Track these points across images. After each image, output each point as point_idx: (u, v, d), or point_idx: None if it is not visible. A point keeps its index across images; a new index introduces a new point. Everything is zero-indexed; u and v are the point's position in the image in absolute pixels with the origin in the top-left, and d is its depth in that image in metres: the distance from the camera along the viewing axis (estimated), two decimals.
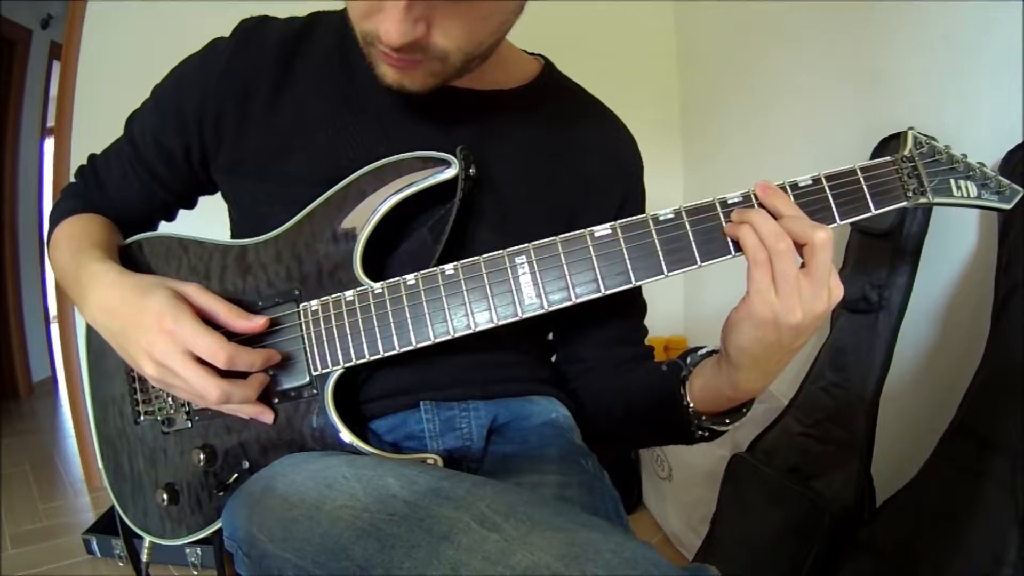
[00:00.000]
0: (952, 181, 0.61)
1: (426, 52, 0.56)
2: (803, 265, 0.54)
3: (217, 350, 0.57)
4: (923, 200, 0.59)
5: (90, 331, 0.76)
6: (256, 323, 0.62)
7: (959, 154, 0.61)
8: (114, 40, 2.08)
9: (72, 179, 0.81)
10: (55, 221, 0.77)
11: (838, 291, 0.55)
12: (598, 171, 0.75)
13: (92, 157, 0.81)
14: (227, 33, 0.72)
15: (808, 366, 1.39)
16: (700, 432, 0.67)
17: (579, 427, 0.79)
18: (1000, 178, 0.62)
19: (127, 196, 0.77)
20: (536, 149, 0.72)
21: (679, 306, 2.23)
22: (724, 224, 0.57)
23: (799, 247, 0.54)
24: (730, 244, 0.57)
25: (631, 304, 0.80)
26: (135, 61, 1.91)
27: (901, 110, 1.27)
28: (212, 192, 0.78)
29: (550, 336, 0.84)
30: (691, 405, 0.66)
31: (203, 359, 0.58)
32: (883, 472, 1.24)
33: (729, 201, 0.57)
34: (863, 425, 1.23)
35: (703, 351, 0.68)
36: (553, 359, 0.85)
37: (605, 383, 0.79)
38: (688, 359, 0.68)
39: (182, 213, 0.84)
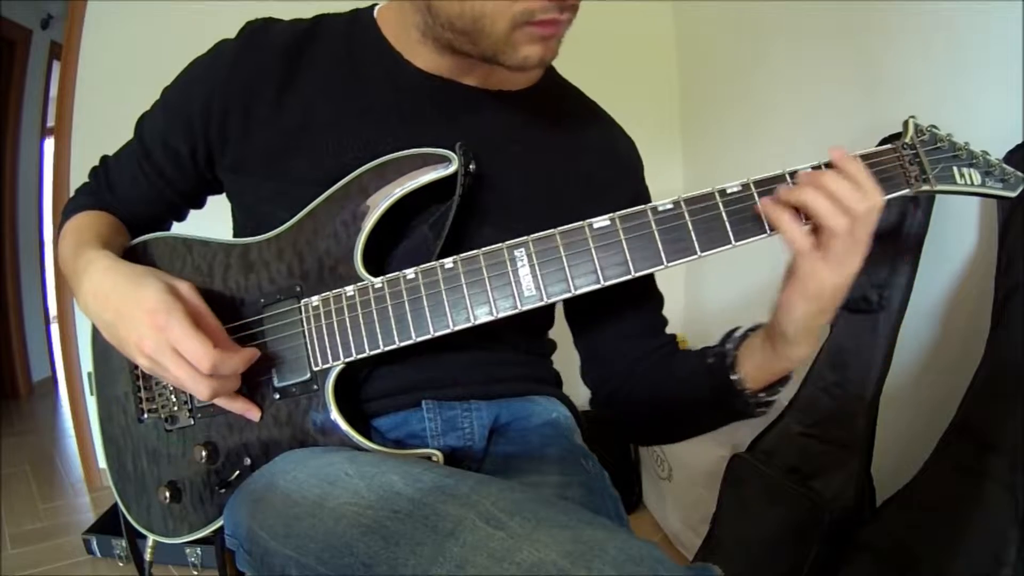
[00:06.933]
0: (955, 169, 0.60)
1: (574, 9, 0.61)
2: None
3: (202, 357, 0.57)
4: (925, 187, 0.59)
5: (95, 330, 0.76)
6: (242, 353, 0.62)
7: (962, 142, 0.61)
8: (114, 40, 2.08)
9: (75, 179, 0.82)
10: (66, 216, 0.77)
11: (868, 243, 0.57)
12: (600, 173, 0.76)
13: (104, 158, 0.82)
14: (228, 32, 0.72)
15: (808, 366, 1.39)
16: (759, 408, 0.68)
17: (624, 428, 0.79)
18: (1004, 166, 0.61)
19: (136, 196, 0.78)
20: (540, 150, 0.73)
21: (679, 305, 2.23)
22: (788, 185, 0.57)
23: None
24: (730, 232, 0.57)
25: (648, 296, 0.80)
26: (135, 61, 1.92)
27: (901, 109, 1.26)
28: (220, 192, 0.79)
29: (550, 335, 0.84)
30: (748, 388, 0.66)
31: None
32: (883, 472, 1.23)
33: (728, 191, 0.57)
34: (863, 425, 1.23)
35: (739, 332, 0.68)
36: (552, 363, 0.85)
37: (642, 378, 0.77)
38: (727, 344, 0.68)
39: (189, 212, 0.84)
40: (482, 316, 0.59)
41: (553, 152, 0.74)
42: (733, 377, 0.66)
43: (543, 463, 0.70)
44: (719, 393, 0.68)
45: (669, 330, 0.81)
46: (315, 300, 0.64)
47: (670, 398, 0.74)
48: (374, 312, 0.61)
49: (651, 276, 0.59)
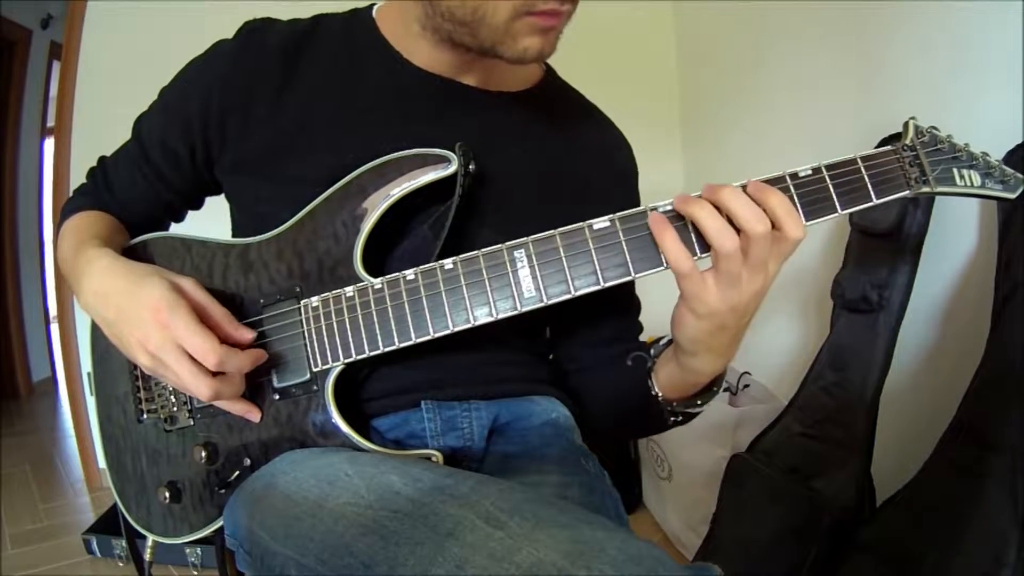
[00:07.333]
0: (955, 170, 0.60)
1: (574, 1, 0.61)
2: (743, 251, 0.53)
3: (207, 352, 0.57)
4: (925, 189, 0.58)
5: (95, 330, 0.76)
6: (245, 336, 0.62)
7: (961, 143, 0.60)
8: (114, 40, 2.08)
9: (75, 179, 0.82)
10: (65, 216, 0.77)
11: (775, 268, 0.55)
12: (596, 175, 0.76)
13: (102, 159, 0.82)
14: (228, 32, 0.72)
15: (808, 366, 1.39)
16: (674, 418, 0.70)
17: (579, 425, 0.79)
18: (1004, 167, 0.61)
19: (135, 197, 0.78)
20: (539, 151, 0.73)
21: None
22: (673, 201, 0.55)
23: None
24: None
25: (625, 302, 0.80)
26: (135, 61, 1.92)
27: (901, 109, 1.26)
28: (218, 193, 0.78)
29: (549, 335, 0.84)
30: (660, 395, 0.68)
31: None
32: (883, 472, 1.24)
33: None
34: (863, 425, 1.23)
35: (663, 341, 0.69)
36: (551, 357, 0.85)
37: (600, 381, 0.79)
38: (652, 350, 0.69)
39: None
40: (482, 317, 0.59)
41: (552, 153, 0.74)
42: (650, 387, 0.68)
43: (543, 463, 0.70)
44: (636, 398, 0.69)
45: (665, 332, 0.81)
46: (315, 301, 0.64)
47: (607, 402, 0.77)
48: (374, 313, 0.61)
49: (631, 281, 0.59)
